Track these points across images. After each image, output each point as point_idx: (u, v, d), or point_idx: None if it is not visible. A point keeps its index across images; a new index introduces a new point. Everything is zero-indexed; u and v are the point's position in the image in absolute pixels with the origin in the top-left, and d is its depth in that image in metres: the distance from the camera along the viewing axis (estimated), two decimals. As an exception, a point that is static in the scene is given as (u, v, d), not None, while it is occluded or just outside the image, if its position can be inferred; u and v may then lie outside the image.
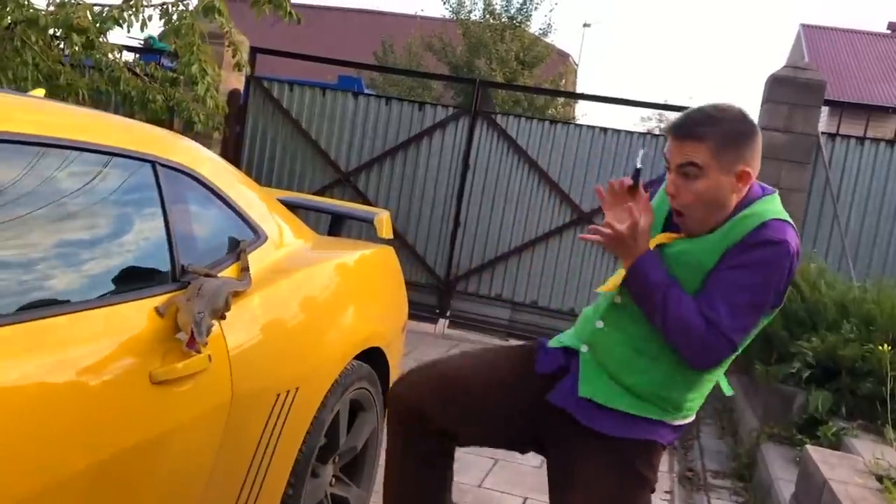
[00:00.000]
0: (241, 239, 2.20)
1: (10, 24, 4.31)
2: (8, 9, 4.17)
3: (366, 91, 8.58)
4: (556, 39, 37.66)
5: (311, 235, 2.85)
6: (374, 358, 2.78)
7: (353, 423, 2.73)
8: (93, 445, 1.51)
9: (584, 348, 1.90)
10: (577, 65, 24.00)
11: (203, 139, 6.85)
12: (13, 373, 1.40)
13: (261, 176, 7.23)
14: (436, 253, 6.96)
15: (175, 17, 4.72)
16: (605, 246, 1.83)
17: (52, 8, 4.39)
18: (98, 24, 4.50)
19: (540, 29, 18.97)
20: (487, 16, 18.47)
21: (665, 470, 4.30)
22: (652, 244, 1.81)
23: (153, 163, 1.91)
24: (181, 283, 1.87)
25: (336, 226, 3.36)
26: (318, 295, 2.46)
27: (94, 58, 5.44)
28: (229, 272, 2.08)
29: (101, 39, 4.80)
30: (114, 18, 4.51)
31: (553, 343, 2.01)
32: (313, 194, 6.89)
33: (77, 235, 1.70)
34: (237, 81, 7.12)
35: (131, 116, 5.93)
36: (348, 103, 7.05)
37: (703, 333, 1.69)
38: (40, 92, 2.43)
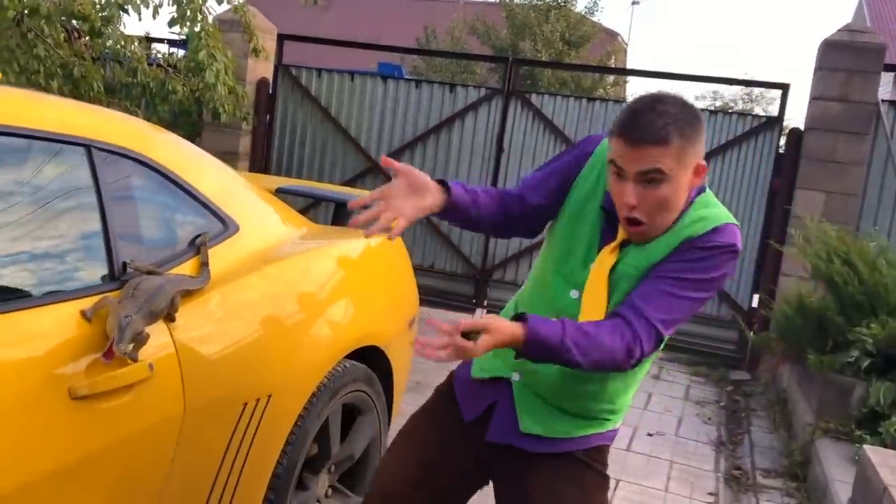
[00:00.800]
0: (203, 231, 1.98)
1: (15, 15, 4.20)
2: (11, 1, 4.05)
3: (405, 77, 8.33)
4: (604, 18, 36.89)
5: (303, 225, 2.63)
6: (373, 356, 2.55)
7: (350, 428, 2.51)
8: (-7, 473, 1.31)
9: (515, 377, 1.70)
10: (626, 44, 23.33)
11: (232, 129, 6.73)
12: None
13: (291, 166, 7.07)
14: (471, 241, 6.69)
15: (185, 2, 4.55)
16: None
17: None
18: (104, 12, 4.35)
19: (586, 7, 18.46)
20: (532, -4, 18.04)
21: (710, 469, 3.98)
22: (602, 268, 1.60)
23: (87, 146, 1.69)
24: (121, 283, 1.66)
25: (340, 214, 3.14)
26: (298, 290, 2.23)
27: (113, 49, 5.34)
28: (186, 268, 1.87)
29: (112, 28, 4.66)
30: (118, 5, 4.37)
31: (478, 373, 1.77)
32: (344, 184, 6.70)
33: (-8, 231, 1.50)
34: (265, 70, 6.95)
35: (154, 109, 5.84)
36: (378, 88, 6.82)
37: (625, 350, 1.51)
38: (-4, 77, 2.25)
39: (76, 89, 5.04)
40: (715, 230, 1.56)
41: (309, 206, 6.54)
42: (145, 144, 1.88)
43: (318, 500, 2.39)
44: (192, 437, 1.75)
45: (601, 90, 17.74)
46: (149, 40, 6.50)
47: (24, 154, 1.58)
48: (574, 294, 1.63)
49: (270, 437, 2.02)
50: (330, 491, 2.47)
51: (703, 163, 1.55)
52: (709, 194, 1.64)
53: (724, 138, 6.09)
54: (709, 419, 4.80)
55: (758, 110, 21.55)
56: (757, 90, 22.30)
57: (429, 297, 6.31)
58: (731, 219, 1.60)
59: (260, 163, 7.06)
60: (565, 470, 1.68)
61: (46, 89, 4.49)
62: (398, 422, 2.39)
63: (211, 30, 4.74)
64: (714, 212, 1.60)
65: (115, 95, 5.57)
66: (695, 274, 1.54)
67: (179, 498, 1.76)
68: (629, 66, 22.45)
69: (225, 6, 5.27)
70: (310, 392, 2.15)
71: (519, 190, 1.72)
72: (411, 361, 3.01)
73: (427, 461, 1.79)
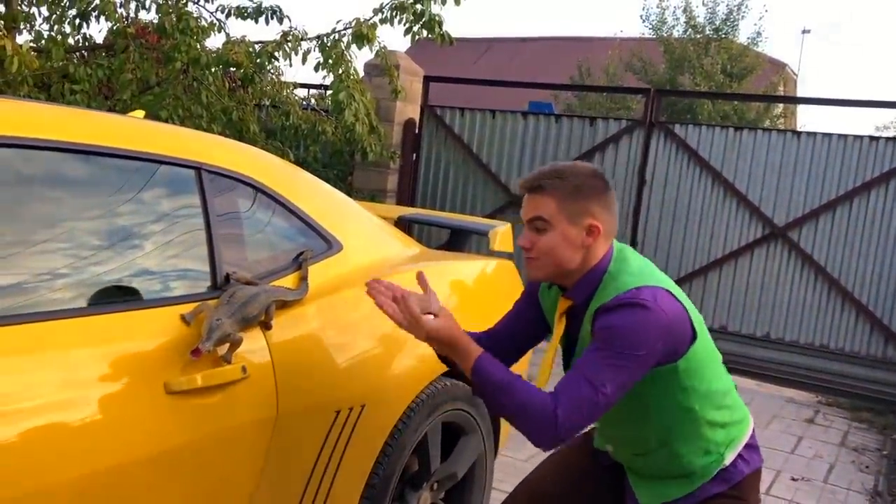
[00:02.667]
0: (306, 248, 2.11)
1: (181, 66, 4.66)
2: (179, 53, 4.51)
3: (545, 113, 8.40)
4: (772, 49, 35.30)
5: (414, 248, 2.73)
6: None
7: (454, 447, 2.54)
8: (93, 451, 1.46)
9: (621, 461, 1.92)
10: (796, 74, 22.17)
11: (381, 168, 7.06)
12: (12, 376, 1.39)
13: (435, 202, 7.28)
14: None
15: (328, 47, 4.87)
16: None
17: (216, 47, 4.72)
18: (256, 60, 4.74)
19: (748, 38, 17.80)
20: (690, 30, 17.63)
21: (860, 519, 3.66)
22: (556, 335, 1.81)
23: (198, 169, 1.87)
24: (222, 292, 1.80)
25: (456, 240, 3.22)
26: (397, 307, 2.31)
27: (270, 95, 5.78)
28: (287, 281, 2.00)
29: (265, 75, 5.06)
30: (267, 53, 4.74)
31: (598, 445, 2.00)
32: (485, 217, 6.82)
33: (112, 242, 1.68)
34: (413, 111, 7.25)
35: (306, 149, 6.24)
36: (518, 124, 6.93)
37: (542, 406, 1.58)
38: (140, 113, 2.53)
39: (238, 133, 5.49)
40: (616, 297, 1.64)
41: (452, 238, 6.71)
42: (252, 168, 2.05)
43: (420, 516, 2.44)
44: (284, 440, 1.86)
45: (767, 122, 16.96)
46: (303, 86, 6.97)
47: (142, 175, 1.78)
48: None
49: (364, 447, 2.10)
50: (433, 508, 2.51)
51: (598, 224, 1.70)
52: (620, 266, 1.72)
53: (888, 166, 5.67)
54: (866, 467, 4.41)
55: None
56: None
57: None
58: (638, 283, 1.65)
59: (407, 199, 7.32)
60: None
61: (208, 132, 4.93)
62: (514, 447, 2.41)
63: (352, 73, 5.03)
64: (621, 281, 1.68)
65: (271, 137, 6.01)
66: (608, 346, 1.59)
67: (274, 493, 1.87)
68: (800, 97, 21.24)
69: (369, 51, 5.57)
70: (405, 406, 2.21)
71: (502, 323, 2.00)
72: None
73: (573, 476, 2.00)
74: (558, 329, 1.81)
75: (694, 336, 1.68)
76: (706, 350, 1.74)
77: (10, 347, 1.41)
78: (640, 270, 1.72)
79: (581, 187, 1.70)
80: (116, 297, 1.65)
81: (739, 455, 1.79)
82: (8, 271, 1.48)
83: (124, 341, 1.58)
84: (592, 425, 1.93)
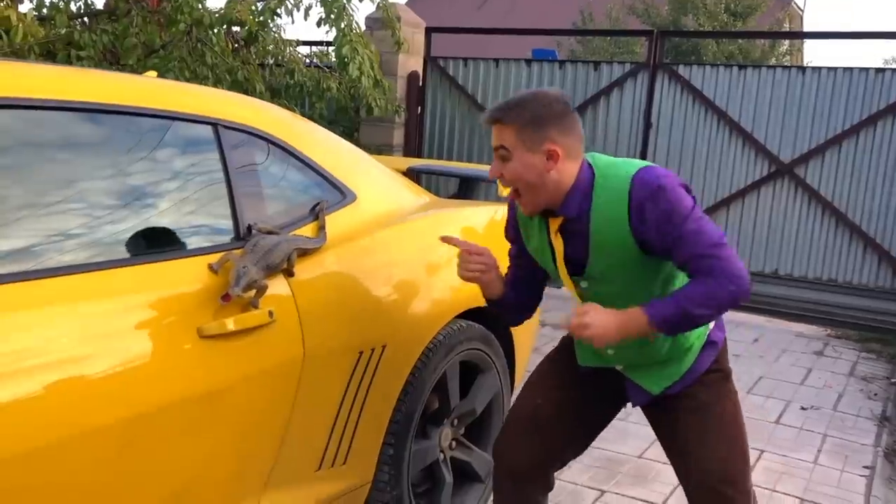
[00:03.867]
0: (322, 199, 2.19)
1: (185, 28, 4.69)
2: (182, 15, 4.54)
3: (549, 59, 8.37)
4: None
5: (424, 196, 2.80)
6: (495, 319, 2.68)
7: (472, 385, 2.65)
8: (134, 394, 1.56)
9: (619, 367, 1.99)
10: (801, 10, 21.88)
11: (387, 123, 7.09)
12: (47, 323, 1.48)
13: (442, 154, 7.32)
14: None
15: (329, 1, 4.88)
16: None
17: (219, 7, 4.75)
18: (259, 18, 4.76)
19: (752, -26, 17.51)
20: (693, -31, 17.36)
21: (869, 443, 3.77)
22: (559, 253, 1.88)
23: (215, 125, 1.94)
24: (245, 242, 1.89)
25: (466, 188, 3.29)
26: (412, 252, 2.39)
27: (273, 53, 5.81)
28: (306, 231, 2.08)
29: (268, 33, 5.09)
30: (270, 10, 4.76)
31: (584, 362, 2.04)
32: (492, 167, 6.86)
33: (136, 198, 1.76)
34: (416, 64, 7.25)
35: (311, 106, 6.27)
36: (521, 72, 6.93)
37: (727, 279, 1.70)
38: (153, 73, 2.59)
39: (244, 93, 5.53)
40: (636, 181, 1.75)
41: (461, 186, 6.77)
42: (267, 122, 2.11)
43: (442, 451, 2.55)
44: (311, 381, 1.96)
45: (773, 60, 16.80)
46: (305, 44, 6.97)
47: (162, 132, 1.85)
48: (583, 284, 1.92)
49: (387, 385, 2.20)
50: (454, 444, 2.63)
51: (557, 149, 1.77)
52: (601, 163, 1.84)
53: (894, 97, 5.66)
54: (875, 395, 4.52)
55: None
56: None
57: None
58: (636, 167, 1.78)
59: (413, 152, 7.36)
60: (706, 395, 1.94)
61: (215, 93, 4.97)
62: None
63: (354, 26, 5.05)
64: (615, 172, 1.80)
65: (277, 96, 6.04)
66: (682, 219, 1.72)
67: (303, 432, 1.98)
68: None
69: (370, 5, 5.57)
70: (423, 345, 2.31)
71: (512, 273, 2.11)
72: (535, 328, 3.12)
73: (565, 386, 2.07)
74: (558, 246, 1.89)
75: None
76: None
77: (52, 297, 1.50)
78: (624, 160, 1.86)
79: (538, 116, 1.78)
80: (145, 250, 1.74)
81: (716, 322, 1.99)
82: (47, 227, 1.56)
83: (157, 290, 1.67)
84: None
